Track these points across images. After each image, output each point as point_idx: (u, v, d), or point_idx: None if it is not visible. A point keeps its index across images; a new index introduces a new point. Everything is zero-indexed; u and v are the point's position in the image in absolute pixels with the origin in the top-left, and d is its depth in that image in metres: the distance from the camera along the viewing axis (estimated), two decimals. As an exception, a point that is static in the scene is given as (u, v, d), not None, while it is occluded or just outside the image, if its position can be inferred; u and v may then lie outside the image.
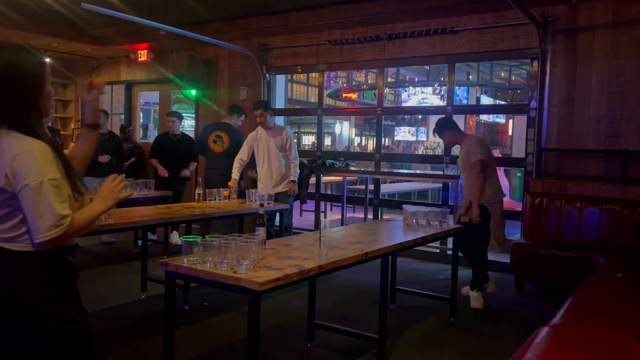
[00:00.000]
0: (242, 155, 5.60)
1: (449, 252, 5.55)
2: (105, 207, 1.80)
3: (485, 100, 15.27)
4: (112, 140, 6.54)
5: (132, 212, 4.26)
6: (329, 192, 9.83)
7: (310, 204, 7.44)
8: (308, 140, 21.45)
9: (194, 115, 8.62)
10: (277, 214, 5.46)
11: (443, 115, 5.67)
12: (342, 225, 6.77)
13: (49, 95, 1.76)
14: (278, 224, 5.66)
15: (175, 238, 6.57)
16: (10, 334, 1.67)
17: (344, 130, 22.75)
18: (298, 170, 5.65)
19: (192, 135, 7.86)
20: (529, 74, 5.97)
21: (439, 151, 14.34)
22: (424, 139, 19.20)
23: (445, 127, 4.81)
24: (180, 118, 6.84)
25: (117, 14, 5.43)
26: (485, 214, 4.53)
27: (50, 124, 6.47)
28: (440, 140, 6.99)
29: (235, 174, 5.49)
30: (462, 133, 4.87)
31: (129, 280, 5.03)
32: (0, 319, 1.66)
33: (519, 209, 5.97)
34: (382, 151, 7.06)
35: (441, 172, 6.15)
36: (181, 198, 6.52)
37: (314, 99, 20.00)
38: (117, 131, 7.96)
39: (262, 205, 3.12)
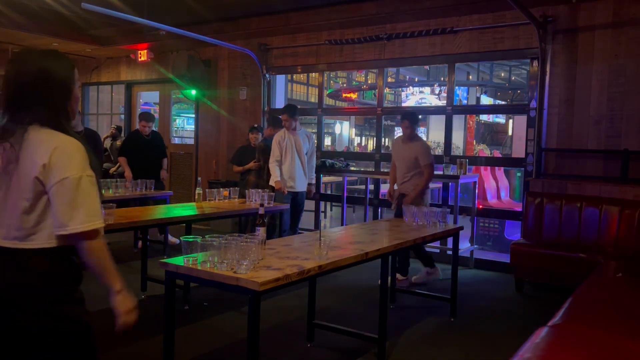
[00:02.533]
0: (275, 156, 5.70)
1: (449, 252, 5.55)
2: (120, 290, 1.77)
3: (485, 100, 15.25)
4: (90, 139, 6.26)
5: (132, 212, 4.26)
6: (329, 192, 9.83)
7: (310, 204, 7.44)
8: (308, 140, 21.40)
9: (194, 116, 8.62)
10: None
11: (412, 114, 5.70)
12: (341, 225, 6.78)
13: (76, 99, 1.82)
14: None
15: (172, 238, 6.53)
16: (17, 332, 1.67)
17: (344, 130, 22.74)
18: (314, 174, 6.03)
19: (192, 134, 7.86)
20: (529, 74, 5.96)
21: (439, 151, 14.34)
22: (424, 138, 19.19)
23: (416, 121, 5.31)
24: (153, 120, 6.78)
25: (117, 14, 5.43)
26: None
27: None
28: (441, 140, 7.01)
29: (277, 177, 5.64)
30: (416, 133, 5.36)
31: (129, 280, 4.98)
32: (7, 317, 1.66)
33: (519, 209, 5.97)
34: (382, 151, 7.06)
35: (441, 172, 6.14)
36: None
37: (314, 99, 19.99)
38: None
39: (262, 205, 3.12)
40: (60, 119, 1.73)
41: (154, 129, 6.71)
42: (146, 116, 6.62)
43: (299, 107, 5.99)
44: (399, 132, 20.64)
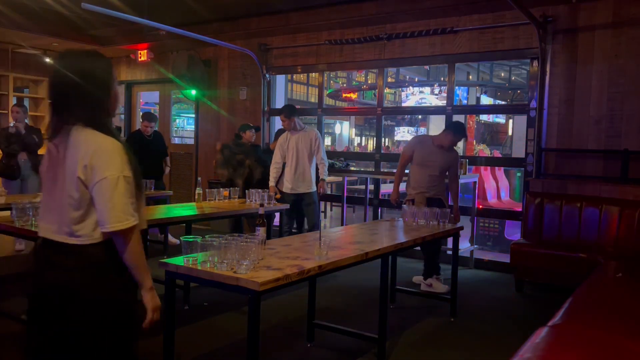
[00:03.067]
0: (276, 158, 5.67)
1: (449, 252, 5.55)
2: (151, 288, 1.89)
3: (485, 100, 15.24)
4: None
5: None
6: (329, 192, 9.82)
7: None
8: (308, 140, 21.35)
9: (194, 116, 8.62)
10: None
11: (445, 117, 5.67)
12: (341, 225, 6.78)
13: (116, 97, 1.91)
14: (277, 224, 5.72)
15: (172, 238, 6.53)
16: (64, 320, 1.78)
17: (344, 130, 22.75)
18: (327, 171, 5.72)
19: (192, 134, 7.85)
20: (529, 74, 5.96)
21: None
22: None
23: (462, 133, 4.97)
24: (156, 120, 6.77)
25: (117, 14, 5.43)
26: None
27: (27, 122, 6.30)
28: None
29: (272, 181, 5.63)
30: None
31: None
32: (56, 306, 1.77)
33: (519, 209, 5.97)
34: (382, 151, 7.05)
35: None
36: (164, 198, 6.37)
37: (314, 99, 19.99)
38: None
39: (262, 205, 3.12)
40: (101, 118, 1.82)
41: (155, 128, 6.73)
42: (149, 116, 6.63)
43: (298, 107, 5.95)
44: (399, 132, 20.66)
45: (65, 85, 1.80)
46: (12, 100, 9.08)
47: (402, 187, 5.36)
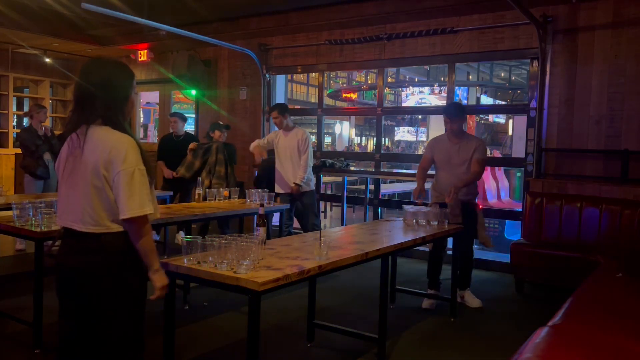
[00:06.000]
0: (261, 140, 5.79)
1: (449, 252, 5.55)
2: (158, 269, 2.08)
3: (485, 100, 15.25)
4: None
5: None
6: (329, 192, 9.83)
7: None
8: (308, 140, 21.37)
9: (194, 116, 8.62)
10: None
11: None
12: (341, 225, 6.78)
13: (132, 104, 2.16)
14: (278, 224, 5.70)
15: (182, 238, 6.52)
16: (86, 299, 2.01)
17: (344, 130, 22.76)
18: (306, 174, 5.45)
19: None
20: (529, 74, 5.96)
21: (439, 151, 14.30)
22: (424, 139, 19.19)
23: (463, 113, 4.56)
24: (184, 119, 6.78)
25: (117, 14, 5.43)
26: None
27: (51, 128, 6.40)
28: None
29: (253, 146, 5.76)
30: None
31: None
32: (79, 288, 2.02)
33: (519, 209, 5.97)
34: (382, 151, 7.06)
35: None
36: (188, 197, 6.43)
37: (314, 99, 20.00)
38: None
39: (262, 205, 3.12)
40: (118, 119, 2.05)
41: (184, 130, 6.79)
42: (173, 114, 6.81)
43: (298, 107, 5.94)
44: (399, 132, 20.66)
45: (91, 89, 2.01)
46: (12, 100, 9.08)
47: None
